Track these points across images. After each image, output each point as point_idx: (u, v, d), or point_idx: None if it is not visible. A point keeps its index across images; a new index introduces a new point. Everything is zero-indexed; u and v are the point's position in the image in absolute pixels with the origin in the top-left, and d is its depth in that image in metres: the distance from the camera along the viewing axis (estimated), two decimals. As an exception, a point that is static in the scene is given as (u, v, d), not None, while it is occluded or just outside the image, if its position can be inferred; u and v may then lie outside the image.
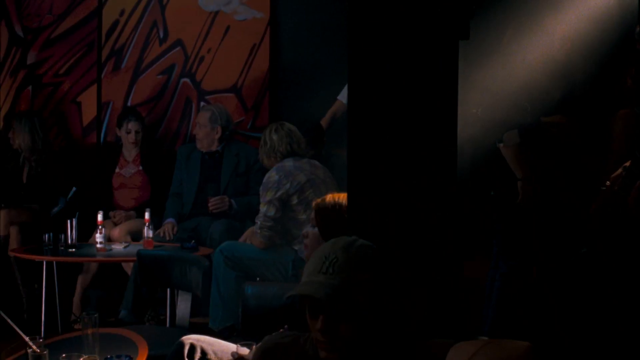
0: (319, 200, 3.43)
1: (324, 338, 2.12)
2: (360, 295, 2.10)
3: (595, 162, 4.34)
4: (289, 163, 5.30)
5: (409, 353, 2.21)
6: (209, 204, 6.13)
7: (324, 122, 6.21)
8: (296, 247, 5.22)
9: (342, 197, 3.31)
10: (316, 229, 3.42)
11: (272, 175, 5.27)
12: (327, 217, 3.31)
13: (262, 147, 5.46)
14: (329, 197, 3.37)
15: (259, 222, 5.29)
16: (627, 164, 3.71)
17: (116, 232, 6.10)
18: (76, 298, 6.09)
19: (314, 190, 5.18)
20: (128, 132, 6.50)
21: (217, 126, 6.30)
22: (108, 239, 5.93)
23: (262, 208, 5.27)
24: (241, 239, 5.66)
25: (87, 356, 3.22)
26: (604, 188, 3.80)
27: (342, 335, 2.11)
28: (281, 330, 3.16)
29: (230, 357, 3.22)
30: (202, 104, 6.82)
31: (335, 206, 3.32)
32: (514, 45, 4.92)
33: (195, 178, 6.35)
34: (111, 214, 6.34)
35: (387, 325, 2.21)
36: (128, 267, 5.98)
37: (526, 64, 4.98)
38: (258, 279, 5.25)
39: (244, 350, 3.14)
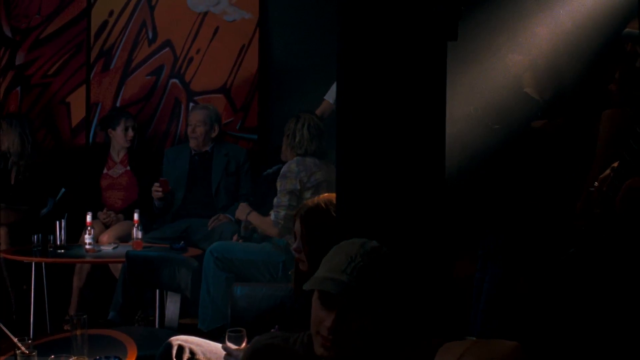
0: (301, 209, 3.31)
1: (331, 336, 2.13)
2: (375, 302, 2.13)
3: (582, 163, 4.36)
4: (310, 159, 5.28)
5: (398, 353, 2.21)
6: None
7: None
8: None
9: (325, 199, 3.25)
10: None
11: (291, 167, 5.24)
12: (315, 221, 3.22)
13: (289, 138, 5.38)
14: (314, 200, 3.29)
15: (282, 212, 5.22)
16: (615, 164, 3.72)
17: (104, 237, 6.07)
18: (73, 299, 6.07)
19: (328, 190, 5.16)
20: (126, 129, 6.49)
21: (215, 125, 6.33)
22: (96, 242, 5.92)
23: (284, 198, 5.21)
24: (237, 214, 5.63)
25: (76, 357, 3.23)
26: (592, 189, 3.81)
27: (348, 336, 2.13)
28: (272, 330, 3.16)
29: (222, 358, 3.21)
30: (191, 104, 6.82)
31: (323, 208, 3.25)
32: (500, 47, 4.94)
33: (183, 178, 6.35)
34: (100, 214, 6.32)
35: (387, 328, 2.22)
36: (115, 269, 5.97)
37: (512, 65, 5.00)
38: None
39: (233, 347, 3.13)
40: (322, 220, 3.13)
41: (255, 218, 5.52)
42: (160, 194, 6.15)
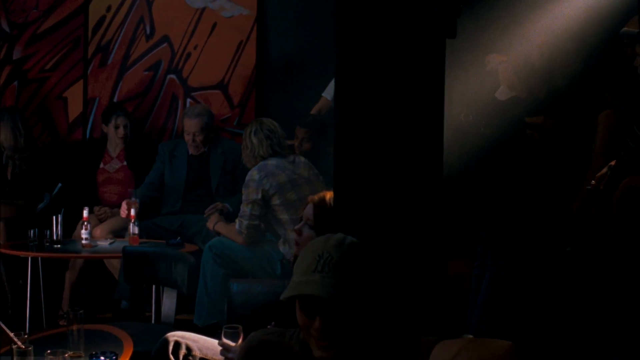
0: (316, 197, 3.35)
1: (322, 337, 2.11)
2: (356, 293, 2.11)
3: (578, 162, 4.37)
4: (271, 162, 5.26)
5: (394, 350, 2.21)
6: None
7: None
8: (281, 248, 5.20)
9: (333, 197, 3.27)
10: (312, 231, 3.29)
11: (253, 174, 5.23)
12: (326, 214, 3.24)
13: (244, 149, 5.42)
14: (329, 194, 3.31)
15: (245, 222, 5.25)
16: (613, 163, 3.72)
17: (97, 231, 6.06)
18: (65, 294, 6.07)
19: (295, 190, 5.16)
20: (117, 127, 6.48)
21: (212, 128, 6.33)
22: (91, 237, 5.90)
23: (247, 207, 5.22)
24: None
25: (72, 352, 3.22)
26: (589, 187, 3.82)
27: (340, 334, 2.11)
28: (268, 327, 3.16)
29: (219, 354, 3.22)
30: (188, 100, 6.82)
31: (329, 205, 3.26)
32: (496, 46, 4.94)
33: (182, 177, 6.33)
34: (95, 209, 6.31)
35: (377, 322, 2.21)
36: (111, 266, 5.97)
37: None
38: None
39: (230, 343, 3.14)
40: (329, 215, 3.15)
41: (222, 228, 5.59)
42: (125, 214, 5.89)
